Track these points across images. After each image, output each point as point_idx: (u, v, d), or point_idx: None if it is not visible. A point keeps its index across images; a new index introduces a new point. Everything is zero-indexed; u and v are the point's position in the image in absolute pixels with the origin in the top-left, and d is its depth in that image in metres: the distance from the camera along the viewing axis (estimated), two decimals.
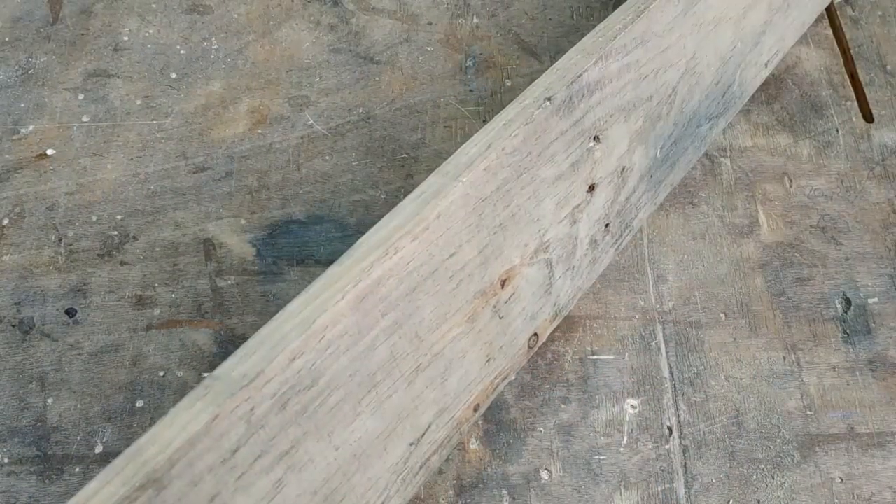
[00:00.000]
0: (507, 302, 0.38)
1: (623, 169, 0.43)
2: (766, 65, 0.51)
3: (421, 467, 0.35)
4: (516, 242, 0.38)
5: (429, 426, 0.35)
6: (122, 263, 0.55)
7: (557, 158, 0.39)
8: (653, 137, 0.44)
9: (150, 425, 0.48)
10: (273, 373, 0.30)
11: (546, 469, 0.49)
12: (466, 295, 0.36)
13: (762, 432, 0.50)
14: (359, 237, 0.34)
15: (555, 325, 0.40)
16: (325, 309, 0.31)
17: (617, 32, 0.39)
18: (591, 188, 0.41)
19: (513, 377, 0.40)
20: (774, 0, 0.51)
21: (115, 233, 0.56)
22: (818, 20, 0.66)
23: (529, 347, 0.39)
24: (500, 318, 0.38)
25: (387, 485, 0.34)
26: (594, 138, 0.40)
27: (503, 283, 0.38)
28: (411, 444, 0.35)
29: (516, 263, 0.38)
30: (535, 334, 0.40)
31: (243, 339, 0.53)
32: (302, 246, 0.55)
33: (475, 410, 0.37)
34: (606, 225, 0.42)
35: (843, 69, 0.64)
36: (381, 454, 0.34)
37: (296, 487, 0.31)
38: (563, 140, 0.39)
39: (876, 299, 0.55)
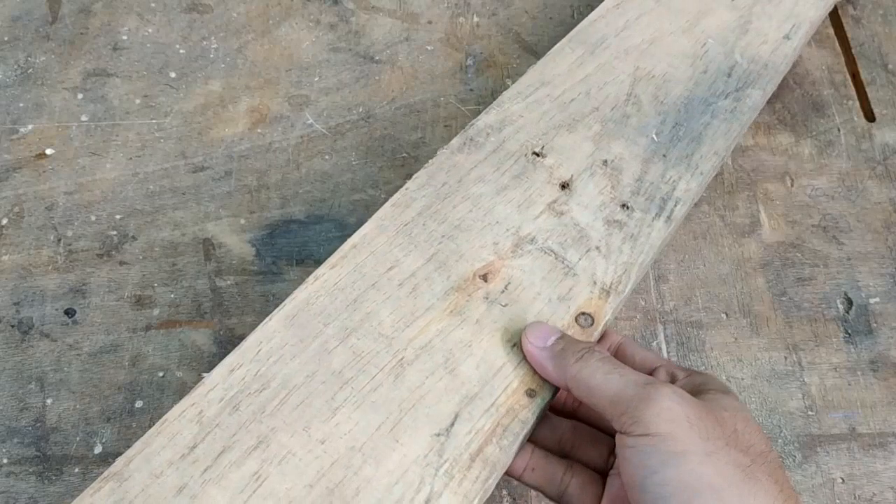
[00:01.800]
0: (504, 291, 0.40)
1: (605, 161, 0.47)
2: (787, 37, 0.55)
3: (473, 459, 0.34)
4: (479, 244, 0.42)
5: (456, 415, 0.35)
6: (122, 263, 0.54)
7: (489, 177, 0.45)
8: (630, 130, 0.48)
9: (150, 425, 0.48)
10: (214, 382, 0.35)
11: None
12: (433, 294, 0.39)
13: (764, 432, 0.50)
14: None
15: (614, 302, 0.41)
16: (254, 329, 0.37)
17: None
18: (565, 185, 0.45)
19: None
20: (740, 1, 0.57)
21: (115, 232, 0.56)
22: None
23: (581, 326, 0.39)
24: (504, 305, 0.39)
25: (421, 479, 0.33)
26: (534, 154, 0.46)
27: (485, 277, 0.40)
28: (438, 435, 0.35)
29: (492, 259, 0.41)
30: (584, 313, 0.40)
31: (243, 339, 0.53)
32: (301, 246, 0.55)
33: (530, 396, 0.37)
34: (624, 205, 0.45)
35: (845, 68, 0.64)
36: (392, 446, 0.34)
37: (281, 480, 0.33)
38: (486, 164, 0.45)
39: (877, 299, 0.55)
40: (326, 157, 0.59)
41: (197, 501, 0.32)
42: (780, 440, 0.49)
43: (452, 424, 0.35)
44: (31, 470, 0.47)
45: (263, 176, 0.58)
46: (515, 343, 0.38)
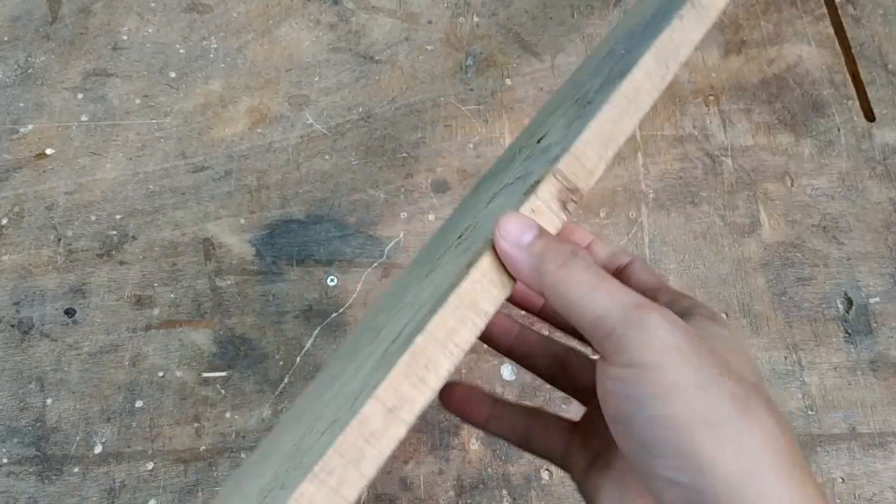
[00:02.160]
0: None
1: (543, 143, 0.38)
2: None
3: None
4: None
5: None
6: (122, 263, 0.54)
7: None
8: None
9: (150, 425, 0.48)
10: None
11: (547, 469, 0.49)
12: None
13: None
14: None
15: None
16: None
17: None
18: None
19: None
20: None
21: (115, 232, 0.56)
22: (819, 19, 0.66)
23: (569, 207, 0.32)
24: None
25: None
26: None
27: None
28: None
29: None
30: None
31: (242, 338, 0.53)
32: (301, 245, 0.55)
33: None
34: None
35: (845, 68, 0.64)
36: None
37: None
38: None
39: (877, 299, 0.55)
40: (326, 157, 0.59)
41: None
42: None
43: None
44: (31, 470, 0.47)
45: (263, 176, 0.58)
46: None
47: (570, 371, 0.35)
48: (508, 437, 0.35)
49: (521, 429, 0.34)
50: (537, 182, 0.29)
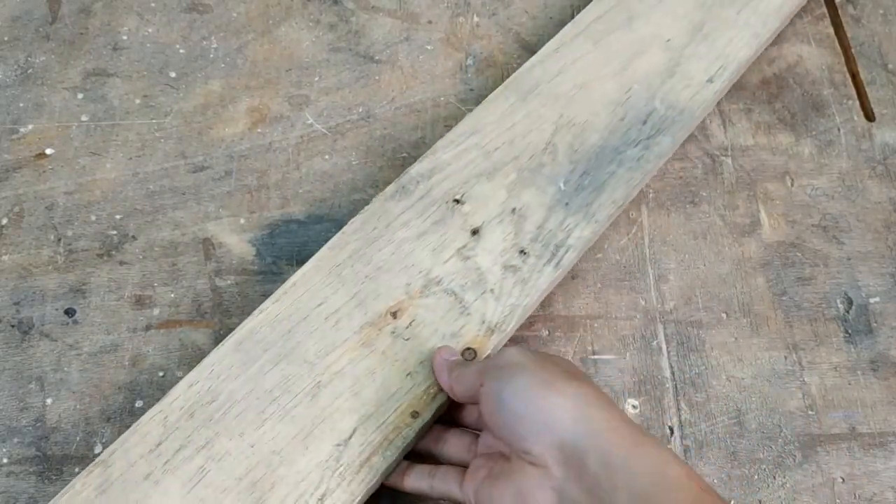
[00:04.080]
0: (408, 327, 0.47)
1: (514, 209, 0.51)
2: (710, 80, 0.57)
3: (361, 466, 0.42)
4: (395, 284, 0.48)
5: (354, 430, 0.43)
6: (122, 263, 0.54)
7: (413, 223, 0.50)
8: (542, 179, 0.52)
9: None
10: (177, 394, 0.44)
11: None
12: (351, 328, 0.46)
13: (764, 432, 0.50)
14: None
15: (497, 339, 0.47)
16: (209, 353, 0.46)
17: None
18: (475, 231, 0.50)
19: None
20: (674, 42, 0.59)
21: (115, 232, 0.56)
22: (819, 19, 0.66)
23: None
24: (406, 339, 0.46)
25: (321, 478, 0.42)
26: (455, 201, 0.51)
27: (395, 314, 0.47)
28: (338, 445, 0.43)
29: (403, 299, 0.48)
30: (469, 348, 0.46)
31: None
32: (301, 245, 0.55)
33: (413, 417, 0.44)
34: (521, 251, 0.50)
35: (845, 68, 0.64)
36: (303, 452, 0.43)
37: (219, 473, 0.42)
38: (412, 211, 0.51)
39: (878, 299, 0.55)
40: (326, 157, 0.59)
41: (158, 487, 0.41)
42: (780, 440, 0.49)
43: (350, 437, 0.43)
44: (31, 470, 0.47)
45: (263, 176, 0.58)
46: (409, 372, 0.45)
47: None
48: (423, 491, 0.43)
49: (426, 474, 0.43)
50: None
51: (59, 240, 0.55)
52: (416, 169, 0.53)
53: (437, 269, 0.49)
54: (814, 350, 0.53)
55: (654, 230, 0.57)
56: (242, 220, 0.56)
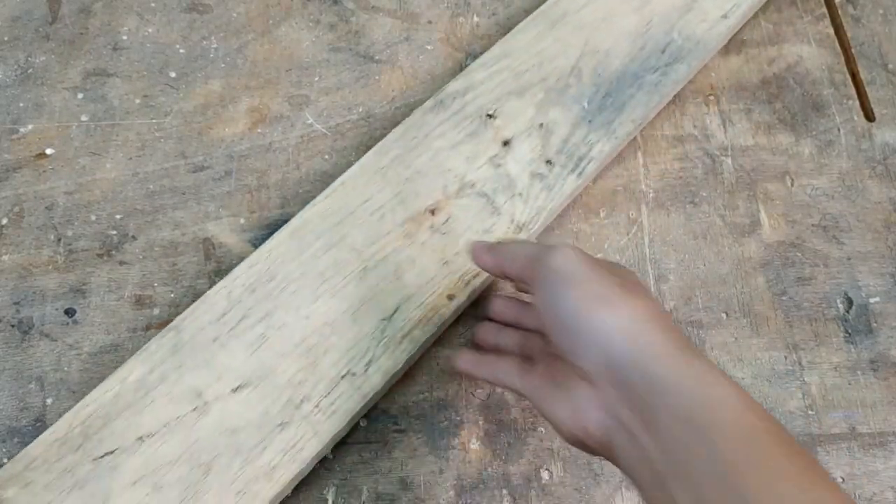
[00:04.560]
0: (445, 223, 0.52)
1: (541, 125, 0.56)
2: (724, 16, 0.61)
3: (403, 338, 0.48)
4: (433, 186, 0.53)
5: (397, 308, 0.49)
6: (122, 263, 0.54)
7: (449, 134, 0.55)
8: (567, 99, 0.57)
9: None
10: (240, 272, 0.50)
11: (547, 469, 0.49)
12: (394, 221, 0.52)
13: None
14: None
15: (524, 237, 0.52)
16: (269, 238, 0.52)
17: (478, 54, 0.61)
18: (506, 143, 0.55)
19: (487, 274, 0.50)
20: None
21: (115, 232, 0.56)
22: (819, 19, 0.66)
23: None
24: (443, 233, 0.52)
25: (368, 347, 0.48)
26: (488, 115, 0.56)
27: (433, 212, 0.52)
28: (383, 320, 0.49)
29: (440, 199, 0.53)
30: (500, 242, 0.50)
31: None
32: None
33: (450, 298, 0.50)
34: (548, 161, 0.54)
35: (845, 68, 0.64)
36: (352, 325, 0.49)
37: (278, 339, 0.48)
38: (449, 124, 0.56)
39: (878, 299, 0.55)
40: (326, 157, 0.59)
41: (225, 349, 0.47)
42: None
43: (393, 314, 0.49)
44: None
45: (263, 176, 0.58)
46: (446, 261, 0.51)
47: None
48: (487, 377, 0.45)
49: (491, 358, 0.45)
50: None
51: (59, 240, 0.55)
52: (451, 87, 0.57)
53: (471, 175, 0.54)
54: (814, 350, 0.53)
55: (654, 230, 0.57)
56: (242, 220, 0.56)
